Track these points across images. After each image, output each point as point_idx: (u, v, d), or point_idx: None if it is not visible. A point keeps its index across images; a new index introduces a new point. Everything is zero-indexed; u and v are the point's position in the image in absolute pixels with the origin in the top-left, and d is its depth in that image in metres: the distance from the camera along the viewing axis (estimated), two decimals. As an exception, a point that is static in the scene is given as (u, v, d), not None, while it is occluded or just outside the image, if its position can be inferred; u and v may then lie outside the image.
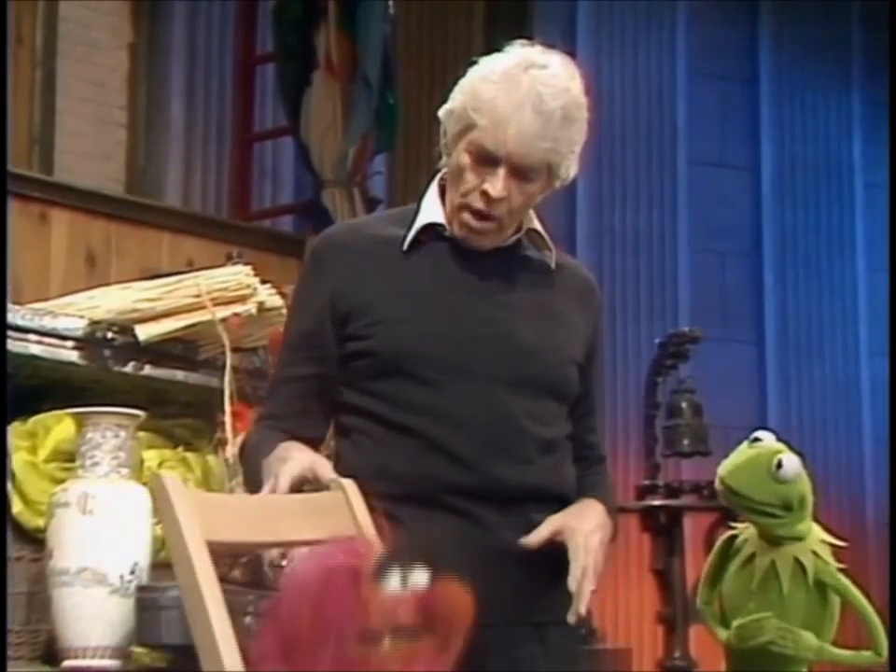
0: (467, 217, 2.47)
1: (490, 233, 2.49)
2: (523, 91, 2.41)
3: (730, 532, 2.75)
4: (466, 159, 2.44)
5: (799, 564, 2.62)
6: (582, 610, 2.37)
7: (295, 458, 2.35)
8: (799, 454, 2.69)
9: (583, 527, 2.43)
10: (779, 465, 2.61)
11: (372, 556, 2.01)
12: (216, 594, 1.97)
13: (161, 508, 2.04)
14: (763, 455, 2.64)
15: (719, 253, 7.95)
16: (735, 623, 2.63)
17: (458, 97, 2.47)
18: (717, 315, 7.72)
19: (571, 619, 2.37)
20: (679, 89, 7.93)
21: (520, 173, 2.43)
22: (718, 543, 2.76)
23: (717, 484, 2.67)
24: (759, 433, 2.70)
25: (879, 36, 7.87)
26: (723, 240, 7.93)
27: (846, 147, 8.27)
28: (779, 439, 2.71)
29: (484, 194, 2.43)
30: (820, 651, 2.62)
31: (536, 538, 2.41)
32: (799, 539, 2.64)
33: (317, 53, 6.15)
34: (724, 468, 2.66)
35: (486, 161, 2.43)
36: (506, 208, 2.46)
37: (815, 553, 2.64)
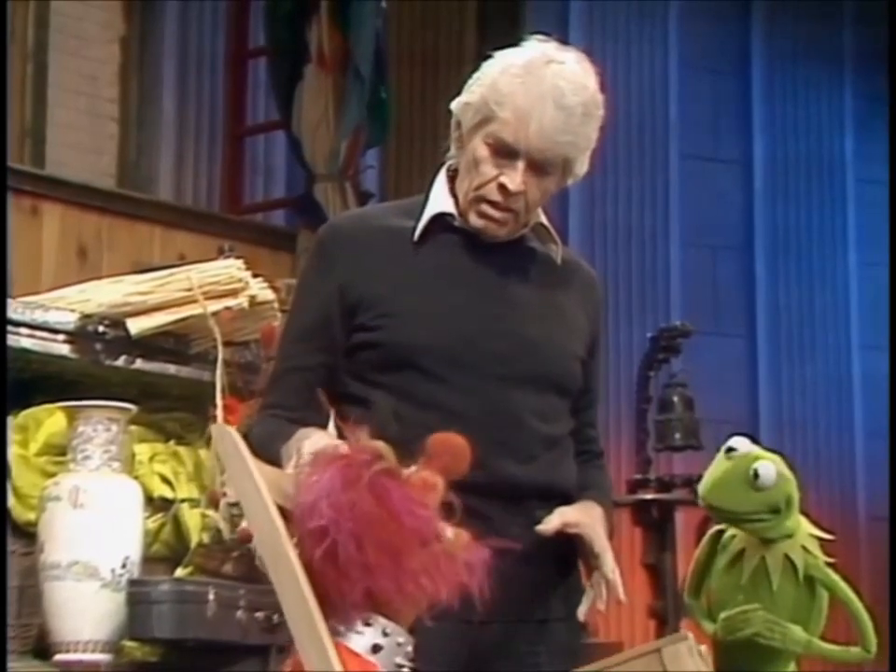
0: (485, 207, 2.45)
1: (508, 224, 2.47)
2: (545, 85, 2.39)
3: (717, 527, 2.74)
4: (483, 151, 2.42)
5: (789, 560, 2.61)
6: (623, 598, 2.40)
7: (319, 434, 2.29)
8: (777, 452, 2.67)
9: (595, 525, 2.44)
10: (756, 474, 2.58)
11: (380, 454, 1.98)
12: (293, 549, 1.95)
13: (231, 459, 1.97)
14: (739, 467, 2.60)
15: (711, 248, 7.95)
16: (721, 616, 2.63)
17: (476, 89, 2.44)
18: (709, 309, 7.71)
19: (582, 614, 2.42)
20: (672, 83, 7.92)
21: (538, 167, 2.42)
22: (705, 538, 2.75)
23: (700, 503, 2.65)
24: (733, 441, 2.66)
25: (872, 32, 7.88)
26: (715, 235, 7.93)
27: (838, 142, 8.27)
28: (755, 441, 2.68)
29: (502, 187, 2.42)
30: (809, 644, 2.61)
31: (548, 527, 2.40)
32: (788, 536, 2.63)
33: (309, 47, 6.15)
34: (704, 486, 2.64)
35: (505, 153, 2.41)
36: (523, 202, 2.44)
37: (804, 549, 2.63)
